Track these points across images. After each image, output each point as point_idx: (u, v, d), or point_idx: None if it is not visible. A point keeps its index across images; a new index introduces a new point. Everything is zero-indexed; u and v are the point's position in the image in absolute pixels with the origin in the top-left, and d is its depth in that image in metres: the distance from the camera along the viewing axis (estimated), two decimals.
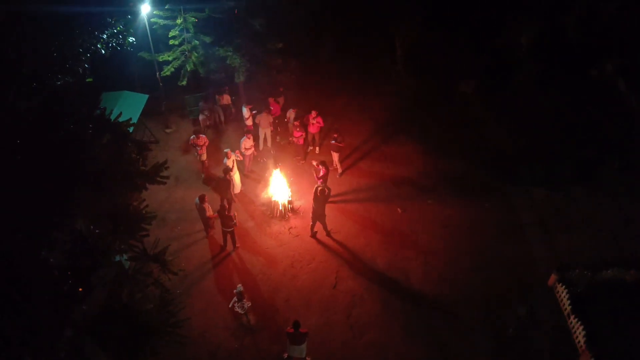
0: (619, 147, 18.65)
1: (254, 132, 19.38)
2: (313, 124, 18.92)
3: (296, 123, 19.03)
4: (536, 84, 20.78)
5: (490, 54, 21.58)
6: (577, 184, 17.90)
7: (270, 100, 20.15)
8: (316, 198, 15.50)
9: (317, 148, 19.82)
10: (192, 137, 18.38)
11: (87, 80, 15.92)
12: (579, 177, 17.98)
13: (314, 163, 16.91)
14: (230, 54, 19.88)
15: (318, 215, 15.85)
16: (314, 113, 18.86)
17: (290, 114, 19.93)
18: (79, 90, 9.48)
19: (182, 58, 20.31)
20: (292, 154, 19.85)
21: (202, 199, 15.62)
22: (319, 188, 15.46)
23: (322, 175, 16.49)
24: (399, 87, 23.08)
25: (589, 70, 20.95)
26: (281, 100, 21.18)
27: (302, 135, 19.07)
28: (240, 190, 18.14)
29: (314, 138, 19.63)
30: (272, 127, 19.80)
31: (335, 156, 18.49)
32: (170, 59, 20.14)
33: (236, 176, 17.63)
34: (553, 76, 20.44)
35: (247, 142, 18.28)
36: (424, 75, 22.61)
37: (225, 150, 17.37)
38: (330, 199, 17.46)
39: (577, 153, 18.50)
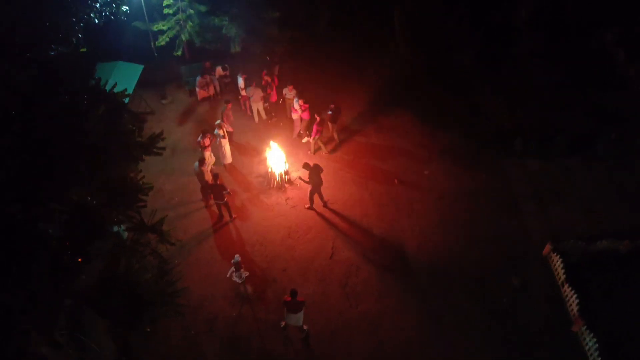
0: (615, 118, 18.63)
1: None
2: (304, 111, 18.65)
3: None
4: (535, 55, 20.61)
5: (489, 25, 21.34)
6: (573, 155, 17.95)
7: (263, 73, 19.91)
8: (312, 171, 15.65)
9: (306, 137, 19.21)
10: (199, 137, 16.96)
11: (81, 50, 15.74)
12: (574, 149, 18.00)
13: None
14: (225, 23, 19.63)
15: (315, 185, 15.91)
16: (301, 101, 18.50)
17: (287, 91, 19.58)
18: (73, 60, 9.36)
19: (177, 27, 20.04)
20: (288, 128, 19.74)
21: (201, 162, 15.66)
22: (312, 164, 15.76)
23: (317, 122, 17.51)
24: (396, 58, 22.88)
25: (588, 41, 20.79)
26: (276, 70, 21.01)
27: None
28: (231, 161, 18.08)
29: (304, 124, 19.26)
30: (263, 101, 19.64)
31: (332, 127, 18.45)
32: (164, 28, 19.88)
33: (227, 147, 17.61)
34: (552, 47, 20.29)
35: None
36: (422, 47, 22.39)
37: (217, 122, 17.30)
38: (327, 170, 17.53)
39: (573, 125, 18.48)
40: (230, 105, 18.37)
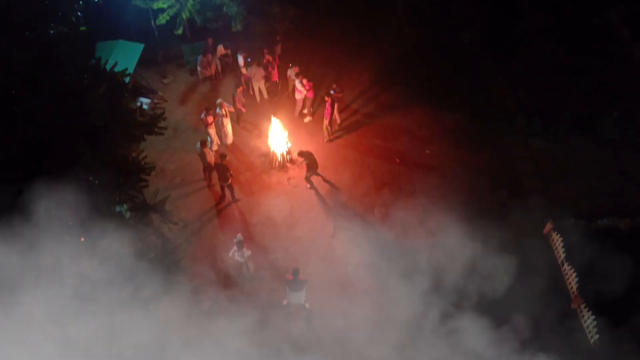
0: (617, 97, 18.51)
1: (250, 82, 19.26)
2: (308, 90, 18.52)
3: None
4: (539, 33, 20.42)
5: (493, 4, 21.09)
6: (576, 134, 17.87)
7: (264, 52, 19.74)
8: (308, 156, 15.92)
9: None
10: (203, 114, 17.02)
11: (81, 29, 15.62)
12: (577, 127, 17.92)
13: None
14: (226, 1, 19.43)
15: (311, 167, 15.98)
16: (304, 80, 18.41)
17: (291, 72, 19.40)
18: (73, 39, 9.31)
19: (178, 6, 19.81)
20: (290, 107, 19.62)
21: (203, 143, 15.68)
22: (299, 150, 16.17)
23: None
24: (399, 37, 22.65)
25: (592, 19, 20.56)
26: (278, 49, 20.84)
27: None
28: (232, 141, 18.09)
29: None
30: (264, 80, 19.52)
31: (335, 107, 18.35)
32: (165, 6, 19.64)
33: (228, 127, 17.59)
34: (556, 26, 20.09)
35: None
36: (425, 25, 22.16)
37: (217, 101, 17.27)
38: (329, 149, 17.55)
39: (576, 103, 18.37)
40: (241, 89, 18.19)
